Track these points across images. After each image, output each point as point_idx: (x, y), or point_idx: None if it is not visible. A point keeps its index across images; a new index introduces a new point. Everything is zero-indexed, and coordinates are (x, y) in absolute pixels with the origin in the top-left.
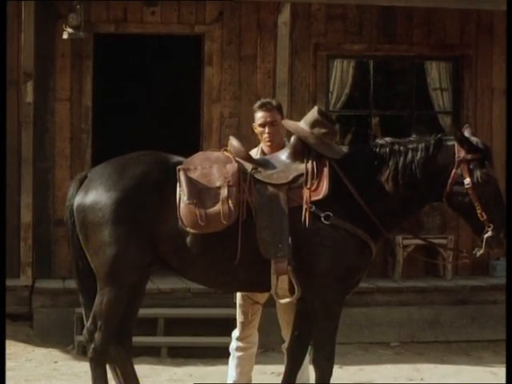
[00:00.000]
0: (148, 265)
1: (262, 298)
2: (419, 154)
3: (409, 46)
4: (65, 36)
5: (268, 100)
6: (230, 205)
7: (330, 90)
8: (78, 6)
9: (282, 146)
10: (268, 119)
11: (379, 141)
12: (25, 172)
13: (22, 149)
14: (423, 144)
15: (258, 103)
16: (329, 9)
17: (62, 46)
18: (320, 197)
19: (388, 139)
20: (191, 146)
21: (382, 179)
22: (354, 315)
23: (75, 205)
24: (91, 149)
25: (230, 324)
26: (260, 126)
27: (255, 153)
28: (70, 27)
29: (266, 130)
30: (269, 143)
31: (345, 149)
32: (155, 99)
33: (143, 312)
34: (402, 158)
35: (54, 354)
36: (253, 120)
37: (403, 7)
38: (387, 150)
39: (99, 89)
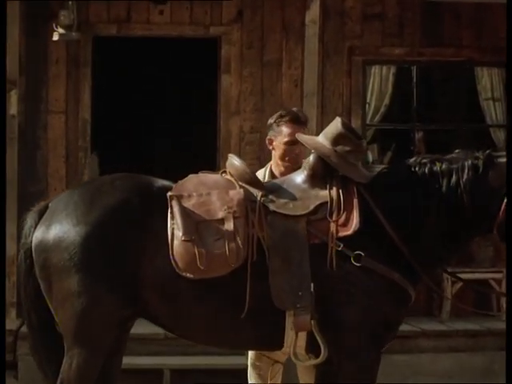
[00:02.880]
0: (127, 319)
1: (284, 354)
2: (466, 174)
3: (457, 50)
4: (55, 37)
5: (299, 110)
6: (238, 242)
7: (367, 100)
8: (69, 2)
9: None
10: (297, 137)
11: (416, 159)
12: (9, 197)
13: (7, 169)
14: (470, 162)
15: (286, 114)
16: (365, 6)
17: (55, 50)
18: (350, 232)
19: (427, 157)
20: (206, 165)
21: (421, 208)
22: (395, 363)
23: (34, 243)
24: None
25: (246, 376)
26: (287, 143)
27: (262, 175)
28: (61, 27)
29: (296, 149)
30: (291, 165)
31: (375, 168)
32: (164, 112)
33: (146, 362)
34: (445, 181)
35: None
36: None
37: (450, 4)
38: (426, 170)
39: (99, 100)
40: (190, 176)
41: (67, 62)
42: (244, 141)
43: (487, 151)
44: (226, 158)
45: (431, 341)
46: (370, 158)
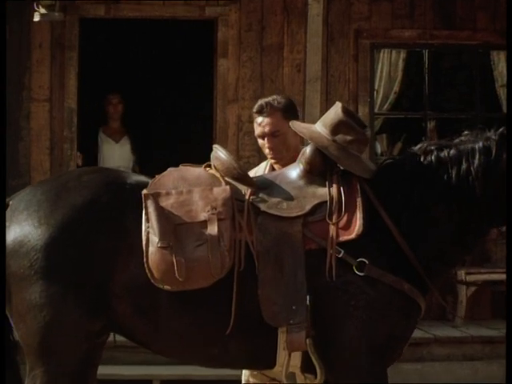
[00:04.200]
0: (97, 333)
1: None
2: (477, 159)
3: (471, 33)
4: (36, 18)
5: (269, 99)
6: (223, 248)
7: (375, 87)
8: None
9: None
10: (267, 128)
11: (422, 146)
12: None
13: None
14: (481, 144)
15: (256, 105)
16: None
17: (39, 32)
18: (352, 236)
19: (434, 143)
20: (202, 158)
21: (430, 202)
22: (406, 372)
23: None
24: (76, 161)
25: None
26: (258, 137)
27: (263, 169)
28: (42, 7)
29: (266, 143)
30: (273, 161)
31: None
32: (156, 99)
33: (135, 372)
34: (454, 169)
35: None
36: None
37: None
38: (433, 158)
39: (86, 87)
40: (169, 170)
41: (51, 45)
42: (242, 131)
43: (500, 130)
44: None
45: (444, 348)
46: (379, 149)
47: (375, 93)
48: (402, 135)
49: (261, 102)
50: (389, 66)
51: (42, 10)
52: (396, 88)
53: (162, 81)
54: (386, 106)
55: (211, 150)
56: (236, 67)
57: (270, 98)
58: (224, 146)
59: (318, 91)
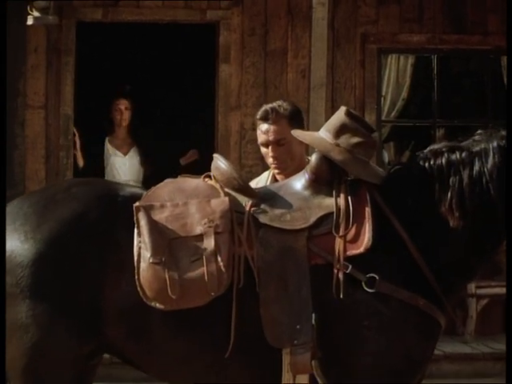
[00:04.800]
0: (88, 356)
1: None
2: (491, 159)
3: (482, 37)
4: (29, 22)
5: (274, 105)
6: (220, 264)
7: (383, 93)
8: None
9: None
10: (272, 136)
11: (432, 148)
12: None
13: None
14: (495, 143)
15: (259, 111)
16: None
17: (34, 37)
18: (361, 250)
19: (444, 144)
20: (203, 166)
21: (442, 209)
22: None
23: None
24: (73, 171)
25: None
26: (262, 145)
27: (265, 179)
28: (36, 10)
29: (270, 152)
30: (277, 171)
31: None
32: (155, 106)
33: None
34: (466, 171)
35: None
36: None
37: None
38: (443, 160)
39: (82, 93)
40: (166, 181)
41: (47, 50)
42: (245, 139)
43: None
44: (226, 157)
45: (454, 365)
46: (386, 158)
47: (382, 99)
48: (410, 143)
49: (265, 107)
50: (396, 72)
51: (36, 13)
52: (404, 94)
53: (162, 87)
54: (393, 114)
55: (212, 158)
56: (238, 73)
57: (275, 104)
58: (226, 154)
59: (323, 98)
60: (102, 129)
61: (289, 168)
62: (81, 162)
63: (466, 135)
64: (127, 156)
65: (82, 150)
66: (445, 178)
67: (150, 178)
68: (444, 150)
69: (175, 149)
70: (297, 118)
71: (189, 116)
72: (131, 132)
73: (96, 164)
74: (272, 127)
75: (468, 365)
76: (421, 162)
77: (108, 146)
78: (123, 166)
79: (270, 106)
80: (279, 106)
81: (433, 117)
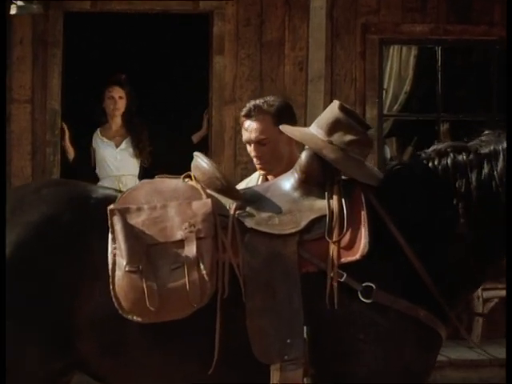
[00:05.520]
0: (60, 373)
1: None
2: (501, 161)
3: (488, 28)
4: (13, 11)
5: (259, 101)
6: (203, 273)
7: (384, 86)
8: None
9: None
10: (253, 135)
11: (436, 147)
12: None
13: None
14: (505, 145)
15: (245, 107)
16: None
17: (19, 28)
18: (356, 257)
19: (449, 144)
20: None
21: (446, 214)
22: None
23: None
24: (59, 167)
25: None
26: (246, 143)
27: (256, 180)
28: None
29: (252, 151)
30: (262, 172)
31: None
32: (147, 100)
33: None
34: (474, 173)
35: None
36: None
37: None
38: (448, 161)
39: (70, 87)
40: (143, 182)
41: (33, 42)
42: (240, 134)
43: None
44: (219, 155)
45: (460, 372)
46: (388, 154)
47: (384, 93)
48: (412, 138)
49: (250, 104)
50: (399, 64)
51: (20, 2)
52: (406, 87)
53: (153, 80)
54: (395, 107)
55: (206, 154)
56: (233, 65)
57: (260, 100)
58: (220, 150)
59: (322, 91)
60: (92, 122)
61: (275, 169)
62: (71, 154)
63: (472, 130)
64: (118, 149)
65: (71, 142)
66: (450, 181)
67: (148, 171)
68: (449, 150)
69: (168, 142)
70: (284, 116)
71: (181, 110)
72: (125, 123)
73: (87, 159)
74: (254, 125)
75: (474, 372)
76: (424, 163)
77: (98, 139)
78: (114, 160)
79: (254, 102)
80: (264, 102)
81: (437, 111)
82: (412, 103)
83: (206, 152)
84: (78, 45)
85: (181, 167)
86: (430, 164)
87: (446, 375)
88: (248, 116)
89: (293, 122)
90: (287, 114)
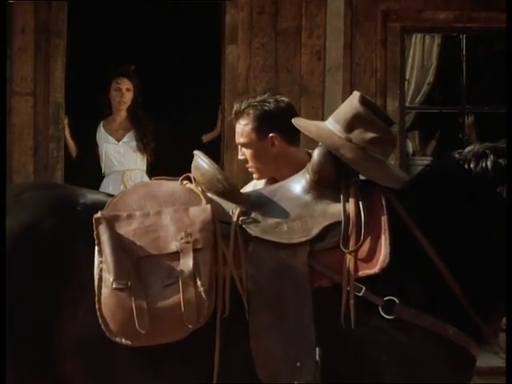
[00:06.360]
0: None
1: None
2: None
3: None
4: None
5: (244, 102)
6: (200, 290)
7: (406, 77)
8: None
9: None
10: (241, 139)
11: (473, 148)
12: None
13: None
14: None
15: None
16: None
17: (21, 16)
18: (375, 270)
19: (488, 145)
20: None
21: (483, 222)
22: None
23: None
24: (63, 164)
25: None
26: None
27: (262, 183)
28: None
29: (246, 152)
30: (254, 176)
31: (414, 163)
32: (155, 92)
33: None
34: None
35: None
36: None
37: None
38: (488, 164)
39: (74, 78)
40: (135, 185)
41: (35, 31)
42: None
43: None
44: (232, 149)
45: (483, 379)
46: (410, 148)
47: (406, 84)
48: (436, 132)
49: (237, 103)
50: (421, 53)
51: None
52: (430, 78)
53: (162, 71)
54: (418, 99)
55: (219, 150)
56: (247, 55)
57: (249, 101)
58: (233, 145)
59: (340, 82)
60: (97, 114)
61: (264, 174)
62: (74, 152)
63: (498, 124)
64: (121, 142)
65: (73, 139)
66: (490, 186)
67: (157, 167)
68: (488, 151)
69: (178, 135)
70: (269, 120)
71: (192, 102)
72: (130, 116)
73: (91, 154)
74: (237, 127)
75: (500, 379)
76: (459, 165)
77: (101, 132)
78: (117, 154)
79: (242, 102)
80: (250, 104)
81: (461, 103)
82: (435, 95)
83: (218, 148)
84: (83, 34)
85: (188, 165)
86: (467, 166)
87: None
88: (235, 116)
89: (284, 125)
90: (271, 120)
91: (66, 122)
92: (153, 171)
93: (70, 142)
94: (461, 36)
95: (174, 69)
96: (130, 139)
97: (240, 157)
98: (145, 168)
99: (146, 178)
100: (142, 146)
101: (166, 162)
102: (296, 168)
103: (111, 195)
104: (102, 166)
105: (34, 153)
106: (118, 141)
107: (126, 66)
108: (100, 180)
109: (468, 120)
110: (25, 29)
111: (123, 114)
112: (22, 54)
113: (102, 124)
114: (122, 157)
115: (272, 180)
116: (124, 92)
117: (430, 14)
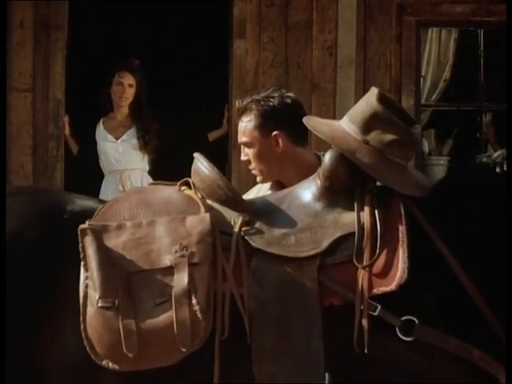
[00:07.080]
0: None
1: None
2: None
3: None
4: None
5: (248, 99)
6: (196, 309)
7: (422, 73)
8: None
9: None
10: (243, 138)
11: (502, 153)
12: None
13: None
14: None
15: None
16: None
17: (19, 10)
18: (392, 287)
19: None
20: (214, 159)
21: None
22: None
23: None
24: (63, 163)
25: None
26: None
27: (267, 188)
28: None
29: (242, 155)
30: (258, 179)
31: (431, 163)
32: (159, 88)
33: None
34: None
35: None
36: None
37: None
38: None
39: (74, 74)
40: (128, 192)
41: (34, 25)
42: None
43: None
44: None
45: None
46: (426, 147)
47: (422, 80)
48: (453, 130)
49: (240, 101)
50: (438, 49)
51: None
52: (446, 74)
53: (167, 67)
54: (434, 96)
55: (226, 150)
56: (255, 50)
57: (252, 96)
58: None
59: (353, 78)
60: (98, 111)
61: (269, 177)
62: (75, 149)
63: None
64: (119, 140)
65: (73, 137)
66: None
67: (161, 166)
68: None
69: (184, 135)
70: (272, 120)
71: (199, 100)
72: (132, 114)
73: (93, 153)
74: (240, 125)
75: None
76: (487, 171)
77: (100, 129)
78: (116, 153)
79: (245, 99)
80: (253, 100)
81: (479, 100)
82: (452, 92)
83: (226, 146)
84: (84, 29)
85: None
86: (496, 172)
87: None
88: (238, 114)
89: (289, 122)
90: (276, 117)
91: (66, 119)
92: (156, 171)
93: (71, 141)
94: (478, 30)
95: (180, 65)
96: (129, 137)
97: (243, 158)
98: (147, 168)
99: (148, 178)
100: (143, 143)
101: (171, 161)
102: (303, 171)
103: (103, 201)
104: (101, 164)
105: (33, 152)
106: (117, 139)
107: (129, 59)
108: (101, 180)
109: (486, 118)
110: (24, 23)
111: (124, 110)
112: (20, 49)
113: (102, 121)
114: (120, 155)
115: (277, 184)
116: (126, 87)
117: (446, 8)
